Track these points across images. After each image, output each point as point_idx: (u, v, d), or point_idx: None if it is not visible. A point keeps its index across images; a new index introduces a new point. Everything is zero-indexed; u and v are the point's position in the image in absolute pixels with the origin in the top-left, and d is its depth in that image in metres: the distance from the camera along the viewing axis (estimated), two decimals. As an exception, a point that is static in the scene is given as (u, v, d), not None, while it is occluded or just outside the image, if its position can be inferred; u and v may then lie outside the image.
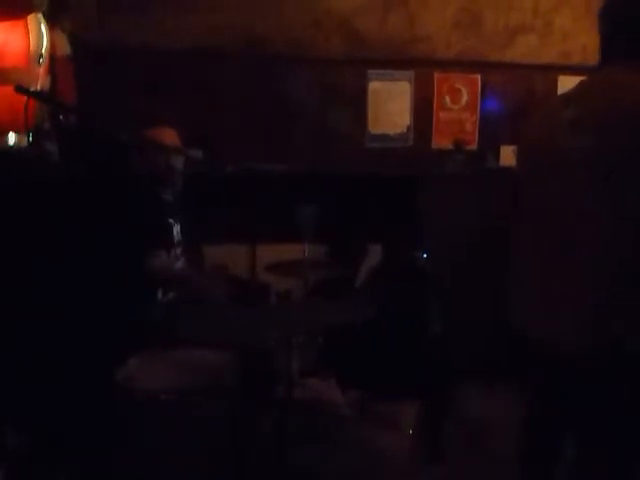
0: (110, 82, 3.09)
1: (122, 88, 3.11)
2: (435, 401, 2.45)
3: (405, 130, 3.43)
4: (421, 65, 3.38)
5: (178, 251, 2.31)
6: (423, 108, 3.43)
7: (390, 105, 3.41)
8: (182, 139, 2.36)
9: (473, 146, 3.41)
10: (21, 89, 1.71)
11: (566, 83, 3.24)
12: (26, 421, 1.98)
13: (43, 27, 2.10)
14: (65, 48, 2.51)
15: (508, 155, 3.27)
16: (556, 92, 3.35)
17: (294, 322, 2.03)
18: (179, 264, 2.30)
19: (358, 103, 3.39)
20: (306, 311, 2.12)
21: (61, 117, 2.28)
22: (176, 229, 2.31)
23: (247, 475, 1.95)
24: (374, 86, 3.40)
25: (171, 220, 2.28)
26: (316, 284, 2.82)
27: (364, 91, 3.39)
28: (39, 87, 2.12)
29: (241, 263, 3.01)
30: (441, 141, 3.43)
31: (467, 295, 3.05)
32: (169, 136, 2.26)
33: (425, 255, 3.12)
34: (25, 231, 1.99)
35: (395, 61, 3.36)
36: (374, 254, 3.24)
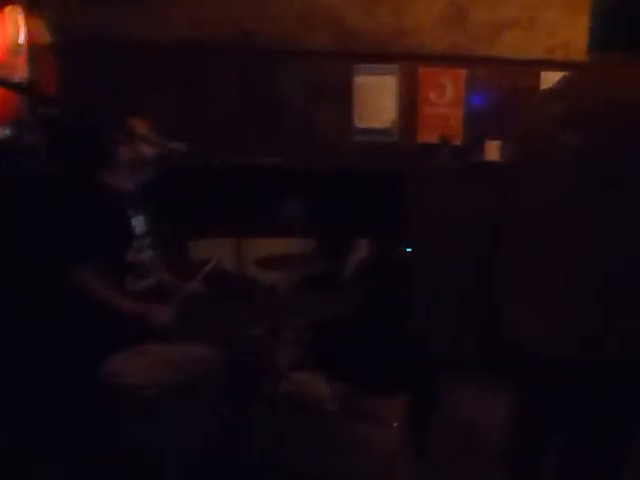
0: (94, 73, 3.03)
1: (106, 80, 3.05)
2: (420, 396, 2.46)
3: (390, 125, 3.43)
4: (407, 59, 3.37)
5: (143, 243, 2.24)
6: (409, 103, 3.43)
7: (376, 99, 3.40)
8: (167, 132, 2.32)
9: (458, 141, 3.42)
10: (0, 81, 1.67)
11: (549, 79, 3.25)
12: (13, 419, 1.95)
13: (20, 17, 2.06)
14: (45, 36, 2.45)
15: (493, 150, 3.28)
16: (539, 88, 3.36)
17: (281, 316, 2.02)
18: (145, 256, 2.25)
19: (344, 97, 3.38)
20: (293, 305, 2.11)
21: (41, 109, 2.23)
22: (137, 221, 2.24)
23: (232, 470, 1.94)
24: (360, 80, 3.39)
25: (130, 211, 2.21)
26: (303, 278, 2.82)
27: (350, 85, 3.37)
28: (18, 78, 2.08)
29: (228, 257, 2.99)
30: (427, 136, 3.43)
31: (451, 291, 3.07)
32: (141, 127, 2.21)
33: (409, 250, 3.13)
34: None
35: (381, 55, 3.35)
36: (360, 249, 3.24)
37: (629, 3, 1.36)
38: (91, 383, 1.83)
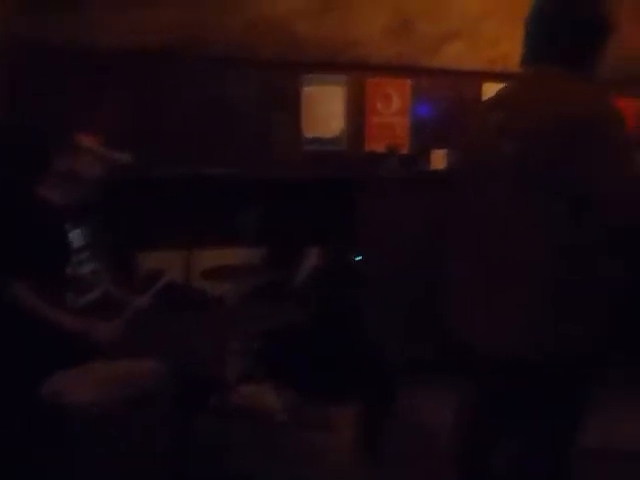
0: (41, 81, 2.92)
1: (54, 87, 2.94)
2: (372, 403, 2.48)
3: (339, 134, 3.46)
4: (354, 70, 3.42)
5: (83, 256, 2.18)
6: (357, 112, 3.47)
7: (324, 109, 3.43)
8: (112, 141, 2.26)
9: (405, 150, 3.48)
10: None
11: (490, 90, 3.37)
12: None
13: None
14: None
15: (439, 159, 3.36)
16: (480, 99, 3.48)
17: (230, 328, 1.99)
18: (87, 269, 2.18)
19: (293, 106, 3.38)
20: (242, 316, 2.09)
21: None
22: (75, 234, 2.17)
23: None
24: (308, 90, 3.41)
25: (67, 226, 2.14)
26: (253, 289, 2.79)
27: (299, 95, 3.39)
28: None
29: (177, 269, 2.93)
30: (374, 145, 3.48)
31: (400, 298, 3.10)
32: (87, 141, 2.15)
33: (360, 258, 3.16)
34: None
35: (329, 65, 3.38)
36: (311, 257, 3.24)
37: (562, 20, 1.40)
38: (34, 404, 1.75)
